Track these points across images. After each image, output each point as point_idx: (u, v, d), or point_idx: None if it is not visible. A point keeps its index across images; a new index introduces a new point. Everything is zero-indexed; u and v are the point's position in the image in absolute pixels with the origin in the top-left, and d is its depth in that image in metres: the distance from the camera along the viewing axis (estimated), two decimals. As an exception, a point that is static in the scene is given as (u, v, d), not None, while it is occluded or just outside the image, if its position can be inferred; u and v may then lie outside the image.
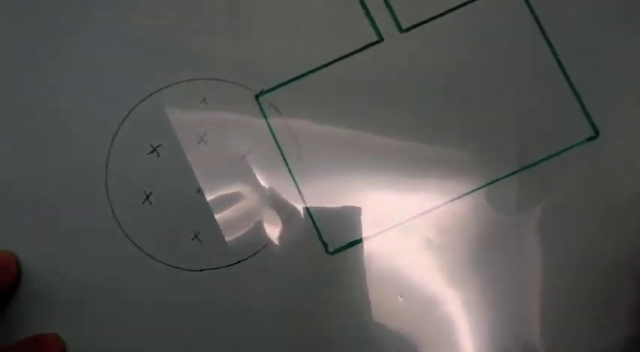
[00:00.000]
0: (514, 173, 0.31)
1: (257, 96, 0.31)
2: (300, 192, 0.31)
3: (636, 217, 0.31)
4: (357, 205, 0.31)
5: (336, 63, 0.31)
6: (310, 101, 0.31)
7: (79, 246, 0.31)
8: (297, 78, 0.31)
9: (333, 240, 0.30)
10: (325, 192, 0.31)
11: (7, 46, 0.32)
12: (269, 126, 0.31)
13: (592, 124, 0.31)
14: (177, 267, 0.31)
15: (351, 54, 0.31)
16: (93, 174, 0.31)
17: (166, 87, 0.31)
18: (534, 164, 0.31)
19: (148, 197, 0.31)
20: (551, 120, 0.31)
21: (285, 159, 0.31)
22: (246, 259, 0.30)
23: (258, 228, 0.31)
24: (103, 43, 0.31)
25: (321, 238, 0.30)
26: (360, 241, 0.31)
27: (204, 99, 0.31)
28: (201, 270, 0.30)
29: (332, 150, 0.31)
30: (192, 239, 0.31)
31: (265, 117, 0.31)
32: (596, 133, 0.31)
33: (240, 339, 0.30)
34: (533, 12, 0.31)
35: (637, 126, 0.31)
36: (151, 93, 0.31)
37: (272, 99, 0.31)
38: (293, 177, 0.31)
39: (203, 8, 0.32)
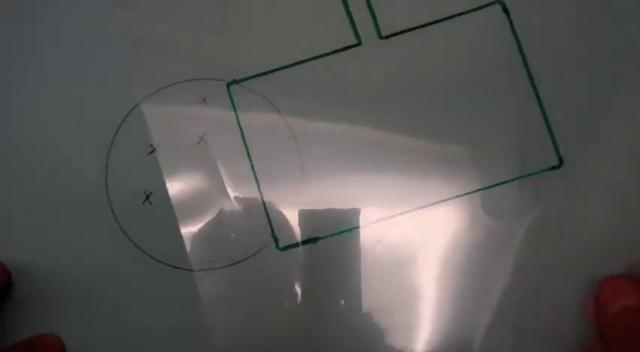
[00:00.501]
0: (475, 191, 0.31)
1: (228, 85, 0.31)
2: (258, 186, 0.31)
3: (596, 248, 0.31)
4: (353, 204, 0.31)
5: (314, 60, 0.31)
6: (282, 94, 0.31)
7: (78, 246, 0.31)
8: (273, 71, 0.31)
9: (285, 237, 0.31)
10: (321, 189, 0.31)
11: (8, 46, 0.32)
12: (237, 118, 0.31)
13: (557, 153, 0.31)
14: (177, 267, 0.31)
15: (328, 54, 0.31)
16: (93, 174, 0.31)
17: (166, 87, 0.31)
18: (494, 185, 0.31)
19: (148, 197, 0.31)
20: (517, 144, 0.31)
21: (248, 154, 0.31)
22: (246, 259, 0.30)
23: (259, 228, 0.31)
24: (103, 43, 0.31)
25: (273, 234, 0.30)
26: (315, 240, 0.31)
27: (204, 99, 0.31)
28: (201, 270, 0.30)
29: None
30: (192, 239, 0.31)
31: (235, 109, 0.31)
32: (560, 162, 0.31)
33: (240, 339, 0.30)
34: (516, 37, 0.31)
35: (600, 158, 0.31)
36: (151, 94, 0.31)
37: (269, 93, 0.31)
38: (254, 171, 0.31)
39: (203, 8, 0.32)
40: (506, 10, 0.31)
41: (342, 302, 0.30)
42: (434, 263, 0.31)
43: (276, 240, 0.30)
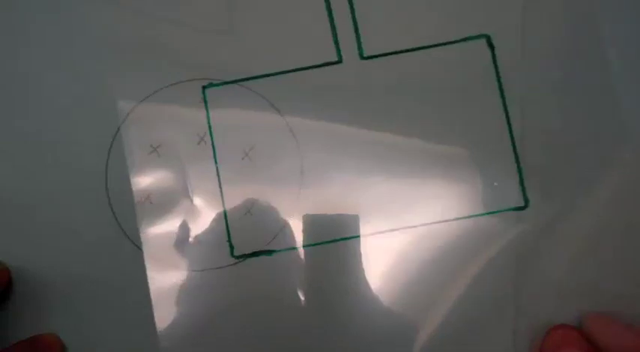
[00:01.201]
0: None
1: (204, 88, 0.31)
2: (221, 192, 0.31)
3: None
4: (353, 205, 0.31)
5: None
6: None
7: (78, 246, 0.31)
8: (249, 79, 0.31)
9: (241, 245, 0.30)
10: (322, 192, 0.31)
11: (7, 46, 0.32)
12: (208, 120, 0.31)
13: (524, 194, 0.31)
14: (177, 267, 0.30)
15: (312, 68, 0.31)
16: (93, 174, 0.31)
17: (166, 87, 0.31)
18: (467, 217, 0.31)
19: (148, 197, 0.31)
20: (487, 179, 0.31)
21: (215, 158, 0.31)
22: (246, 259, 0.30)
23: (259, 228, 0.31)
24: (103, 42, 0.31)
25: (229, 240, 0.30)
26: (270, 253, 0.31)
27: (205, 99, 0.31)
28: (201, 270, 0.30)
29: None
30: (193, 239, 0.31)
31: (207, 110, 0.31)
32: (526, 204, 0.31)
33: (240, 339, 0.30)
34: (498, 77, 0.31)
35: (567, 203, 0.30)
36: (151, 94, 0.31)
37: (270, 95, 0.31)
38: (219, 177, 0.31)
39: (203, 8, 0.32)
40: (491, 45, 0.31)
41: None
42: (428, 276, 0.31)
43: (231, 248, 0.31)
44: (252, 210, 0.31)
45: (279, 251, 0.31)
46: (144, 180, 0.31)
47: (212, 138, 0.31)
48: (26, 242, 0.31)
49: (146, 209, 0.31)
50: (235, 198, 0.31)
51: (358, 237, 0.31)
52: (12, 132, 0.31)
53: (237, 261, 0.30)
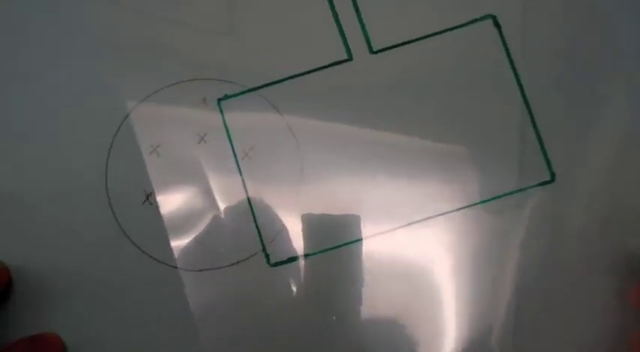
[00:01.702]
0: (472, 205, 0.31)
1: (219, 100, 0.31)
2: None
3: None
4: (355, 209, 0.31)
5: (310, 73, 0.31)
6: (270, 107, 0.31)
7: (78, 246, 0.31)
8: (264, 86, 0.31)
9: (276, 253, 0.30)
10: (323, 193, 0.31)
11: (7, 46, 0.32)
12: (224, 124, 0.31)
13: (550, 169, 0.31)
14: (177, 267, 0.31)
15: (321, 68, 0.31)
16: (93, 174, 0.31)
17: (166, 87, 0.31)
18: (489, 200, 0.31)
19: (148, 197, 0.31)
20: (509, 159, 0.31)
21: (236, 161, 0.31)
22: (246, 259, 0.30)
23: (260, 228, 0.31)
24: (103, 42, 0.31)
25: (264, 249, 0.30)
26: (296, 259, 0.31)
27: (205, 99, 0.31)
28: (201, 270, 0.30)
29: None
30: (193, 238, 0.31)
31: (223, 118, 0.31)
32: (553, 178, 0.31)
33: (239, 338, 0.30)
34: (508, 54, 0.31)
35: (593, 174, 0.31)
36: (151, 93, 0.31)
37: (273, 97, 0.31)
38: (242, 177, 0.31)
39: (203, 8, 0.32)
40: (497, 25, 0.31)
41: (335, 317, 0.30)
42: (434, 274, 0.31)
43: (267, 256, 0.31)
44: (250, 211, 0.31)
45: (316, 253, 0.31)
46: (144, 180, 0.31)
47: (232, 146, 0.31)
48: (26, 242, 0.31)
49: (146, 209, 0.31)
50: (235, 198, 0.31)
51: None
52: (12, 132, 0.31)
53: (237, 262, 0.30)
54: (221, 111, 0.31)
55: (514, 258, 0.30)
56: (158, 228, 0.31)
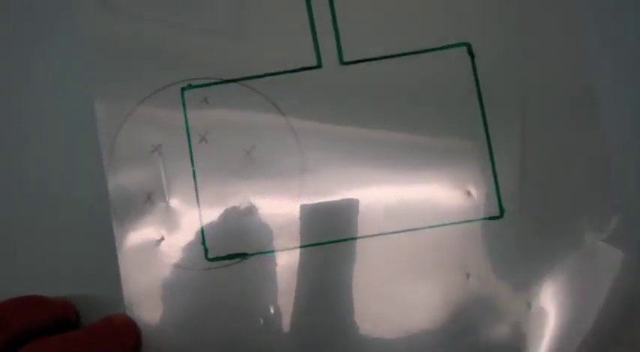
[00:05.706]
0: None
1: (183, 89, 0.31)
2: (197, 195, 0.31)
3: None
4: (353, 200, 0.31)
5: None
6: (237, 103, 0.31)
7: (79, 246, 0.31)
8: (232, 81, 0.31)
9: (216, 248, 0.30)
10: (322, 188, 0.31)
11: (5, 48, 0.32)
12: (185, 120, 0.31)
13: (500, 204, 0.31)
14: (177, 267, 0.30)
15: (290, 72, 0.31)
16: (93, 174, 0.31)
17: (166, 87, 0.31)
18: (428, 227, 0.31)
19: (148, 197, 0.31)
20: (463, 188, 0.31)
21: (191, 159, 0.31)
22: (246, 259, 0.31)
23: (260, 228, 0.31)
24: (102, 44, 0.31)
25: (204, 243, 0.31)
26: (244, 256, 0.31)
27: (205, 99, 0.31)
28: (201, 270, 0.30)
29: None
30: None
31: (185, 110, 0.31)
32: (501, 213, 0.31)
33: (239, 338, 0.30)
34: (477, 84, 0.31)
35: (541, 211, 0.31)
36: (151, 93, 0.31)
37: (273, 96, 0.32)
38: (195, 179, 0.31)
39: (203, 10, 0.32)
40: (471, 53, 0.31)
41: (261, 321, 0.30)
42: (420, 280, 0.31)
43: (206, 250, 0.31)
44: (252, 209, 0.31)
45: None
46: (144, 180, 0.31)
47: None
48: (26, 241, 0.31)
49: (146, 209, 0.31)
50: (236, 197, 0.31)
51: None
52: (12, 132, 0.31)
53: (237, 261, 0.31)
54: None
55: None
56: (159, 228, 0.31)
